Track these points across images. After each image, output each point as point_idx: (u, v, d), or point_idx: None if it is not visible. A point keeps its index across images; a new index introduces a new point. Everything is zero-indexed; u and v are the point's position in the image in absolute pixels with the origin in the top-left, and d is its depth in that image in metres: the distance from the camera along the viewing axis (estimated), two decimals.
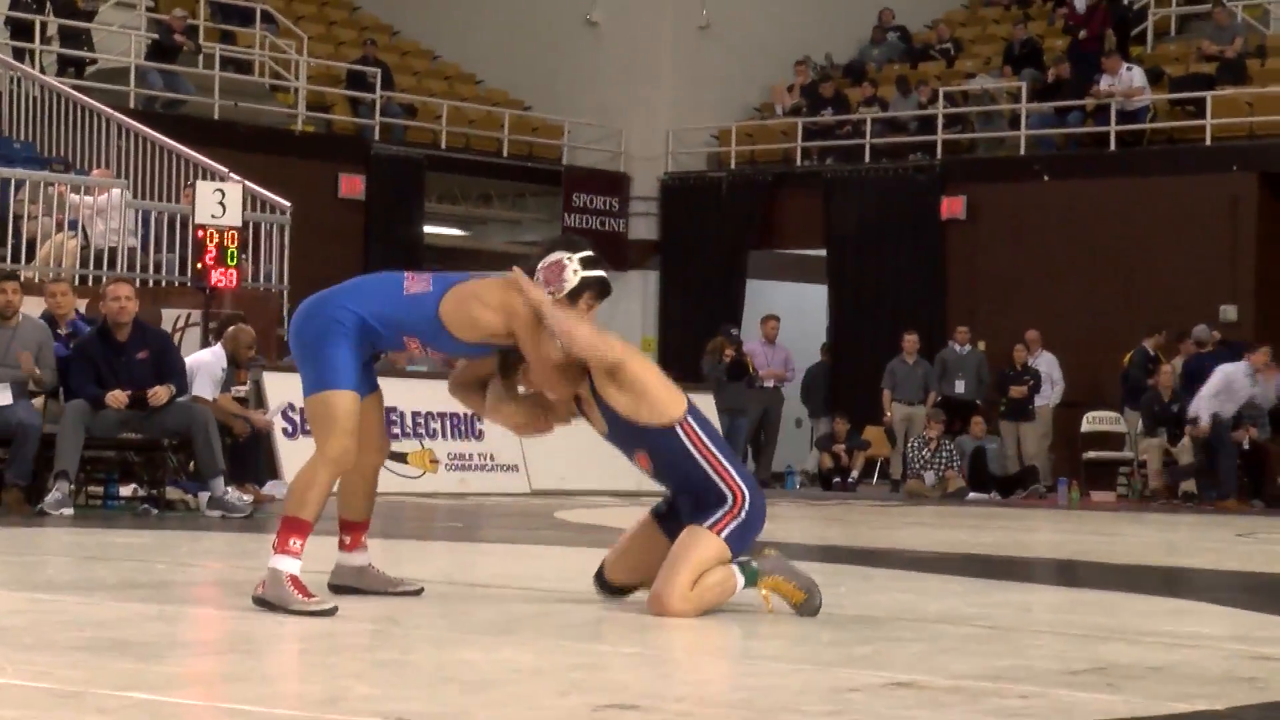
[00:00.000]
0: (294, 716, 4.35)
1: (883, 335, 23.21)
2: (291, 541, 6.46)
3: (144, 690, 4.66)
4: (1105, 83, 24.13)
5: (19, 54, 22.06)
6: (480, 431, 17.82)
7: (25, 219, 17.70)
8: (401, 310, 6.59)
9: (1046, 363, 22.14)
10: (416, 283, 6.63)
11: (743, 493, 6.50)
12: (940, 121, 25.25)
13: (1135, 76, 24.12)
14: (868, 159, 25.59)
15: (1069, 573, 10.63)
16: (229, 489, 12.83)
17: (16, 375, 12.65)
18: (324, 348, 6.57)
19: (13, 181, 17.82)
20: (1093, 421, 21.83)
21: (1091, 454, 21.60)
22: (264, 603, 6.43)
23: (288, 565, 6.44)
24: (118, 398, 12.53)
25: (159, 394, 12.59)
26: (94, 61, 23.48)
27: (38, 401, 13.03)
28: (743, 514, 6.48)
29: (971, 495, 21.13)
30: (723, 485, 6.49)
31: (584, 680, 5.15)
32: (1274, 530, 15.39)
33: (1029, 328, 22.44)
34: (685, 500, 6.57)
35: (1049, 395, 22.04)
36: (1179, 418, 20.26)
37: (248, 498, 13.34)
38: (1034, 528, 15.53)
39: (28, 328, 12.86)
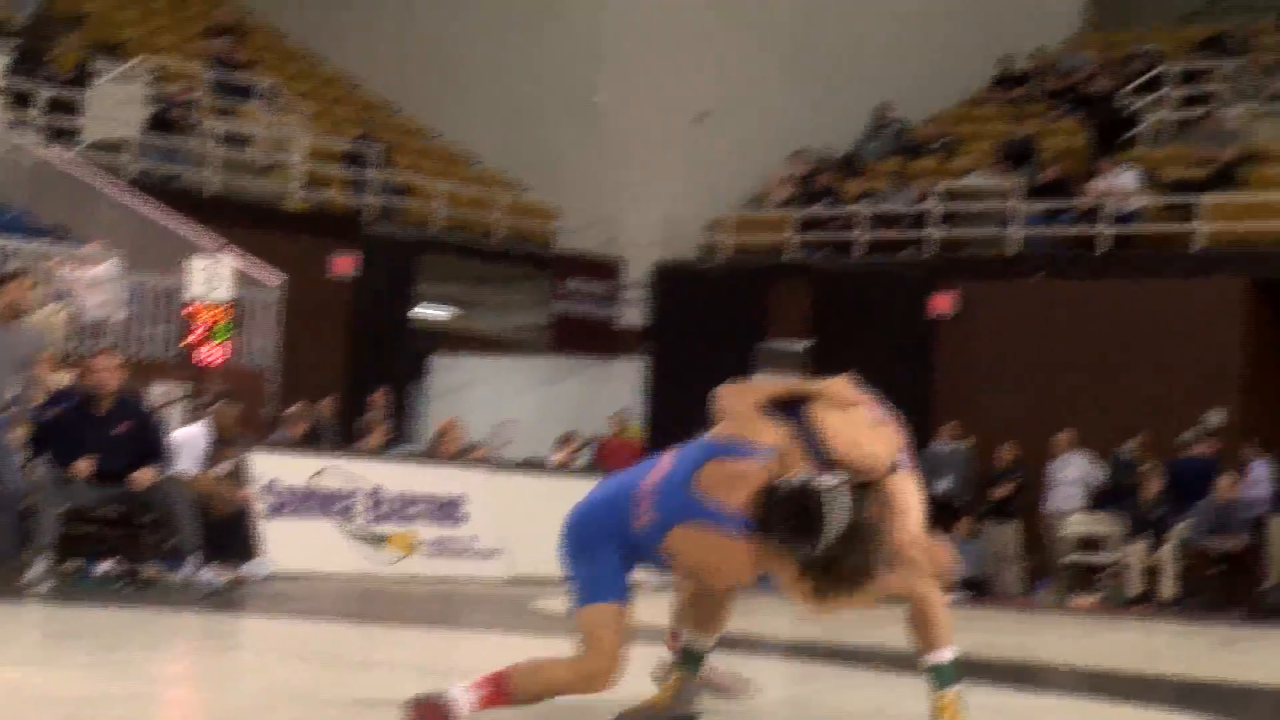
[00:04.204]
0: None
1: None
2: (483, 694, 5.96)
3: None
4: (1098, 184, 24.25)
5: (13, 122, 22.14)
6: (462, 516, 17.79)
7: None
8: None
9: (1079, 465, 21.97)
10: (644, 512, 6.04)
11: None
12: (933, 217, 25.36)
13: (1129, 178, 24.25)
14: (860, 253, 25.68)
15: (1042, 677, 10.59)
16: (206, 568, 12.78)
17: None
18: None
19: (3, 251, 17.86)
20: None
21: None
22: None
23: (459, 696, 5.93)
24: (80, 468, 12.44)
25: (143, 478, 12.52)
26: (79, 131, 23.48)
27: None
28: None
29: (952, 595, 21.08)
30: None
31: None
32: (1252, 640, 15.34)
33: (1015, 426, 22.46)
34: None
35: (1074, 499, 21.87)
36: (1161, 522, 20.27)
37: (225, 576, 13.30)
38: (1010, 629, 15.48)
39: (27, 334, 12.65)
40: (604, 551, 6.03)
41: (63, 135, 22.97)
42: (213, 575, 12.79)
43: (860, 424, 6.05)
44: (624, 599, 6.04)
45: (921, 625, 5.99)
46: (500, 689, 5.95)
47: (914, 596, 5.99)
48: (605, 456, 22.60)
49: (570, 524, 6.12)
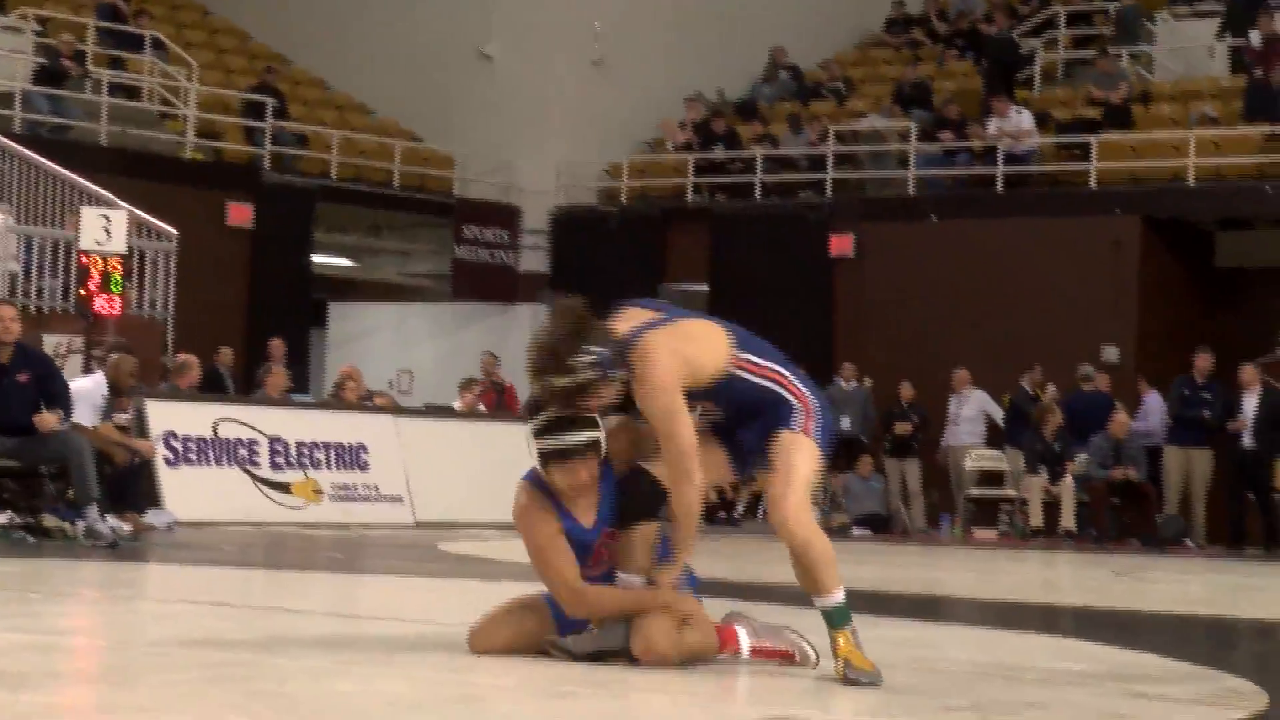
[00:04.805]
0: None
1: None
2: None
3: None
4: (993, 125, 24.40)
5: None
6: (365, 463, 17.74)
7: None
8: None
9: (978, 400, 22.28)
10: None
11: (805, 395, 6.20)
12: (830, 160, 25.44)
13: (1024, 119, 24.41)
14: (758, 196, 25.74)
15: (946, 609, 10.71)
16: (105, 518, 12.69)
17: None
18: None
19: None
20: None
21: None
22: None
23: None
24: None
25: (46, 420, 12.43)
26: None
27: None
28: (816, 415, 6.18)
29: (855, 531, 21.29)
30: (787, 394, 6.20)
31: (462, 713, 5.14)
32: (1150, 569, 15.58)
33: (914, 366, 22.63)
34: (753, 428, 6.22)
35: (973, 434, 22.21)
36: (1060, 456, 20.48)
37: (127, 526, 13.21)
38: (914, 564, 15.63)
39: None
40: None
41: None
42: (114, 525, 12.69)
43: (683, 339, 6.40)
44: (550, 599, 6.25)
45: (806, 573, 6.04)
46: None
47: (793, 545, 6.02)
48: (499, 400, 22.52)
49: None
